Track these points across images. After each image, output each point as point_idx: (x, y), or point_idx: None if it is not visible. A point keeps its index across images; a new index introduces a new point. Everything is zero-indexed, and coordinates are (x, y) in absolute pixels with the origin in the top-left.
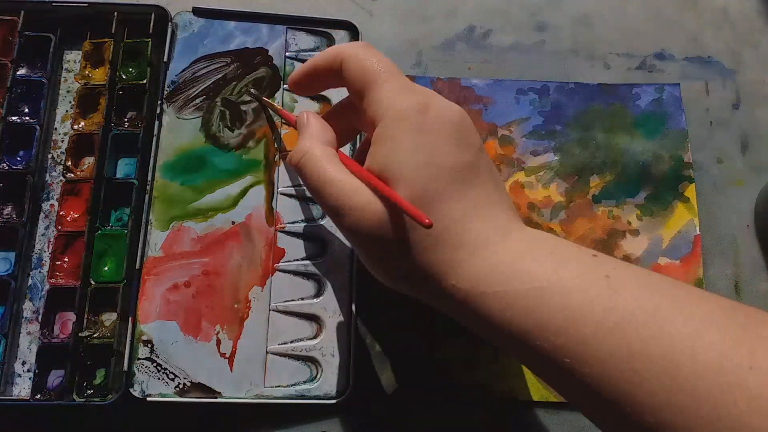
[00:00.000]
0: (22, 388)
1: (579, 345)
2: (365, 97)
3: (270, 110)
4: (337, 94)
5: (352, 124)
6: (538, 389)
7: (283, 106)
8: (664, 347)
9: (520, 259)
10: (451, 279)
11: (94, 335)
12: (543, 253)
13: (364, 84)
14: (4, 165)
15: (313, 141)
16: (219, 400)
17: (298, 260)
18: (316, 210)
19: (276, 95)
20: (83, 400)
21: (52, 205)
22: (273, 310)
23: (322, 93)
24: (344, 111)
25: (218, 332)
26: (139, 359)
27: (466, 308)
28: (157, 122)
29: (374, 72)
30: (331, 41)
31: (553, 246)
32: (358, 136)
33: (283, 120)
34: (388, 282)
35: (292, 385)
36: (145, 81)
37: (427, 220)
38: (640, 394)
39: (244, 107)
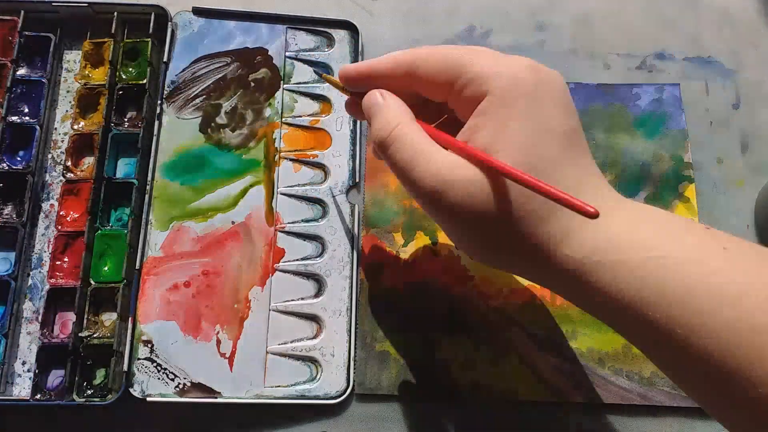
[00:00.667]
0: (22, 388)
1: (694, 317)
2: (458, 80)
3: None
4: (337, 95)
5: (412, 91)
6: (537, 389)
7: (282, 105)
8: None
9: (635, 229)
10: (565, 249)
11: (94, 335)
12: (657, 224)
13: (452, 69)
14: (4, 165)
15: (401, 115)
16: (219, 400)
17: (298, 260)
18: (316, 210)
19: (276, 95)
20: (83, 400)
21: (52, 205)
22: (273, 310)
23: (322, 93)
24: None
25: (218, 332)
26: (139, 359)
27: (576, 279)
28: (157, 122)
29: (459, 55)
30: (331, 41)
31: (665, 218)
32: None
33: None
34: (489, 260)
35: (292, 385)
36: (145, 81)
37: (591, 209)
38: (758, 368)
39: (244, 107)
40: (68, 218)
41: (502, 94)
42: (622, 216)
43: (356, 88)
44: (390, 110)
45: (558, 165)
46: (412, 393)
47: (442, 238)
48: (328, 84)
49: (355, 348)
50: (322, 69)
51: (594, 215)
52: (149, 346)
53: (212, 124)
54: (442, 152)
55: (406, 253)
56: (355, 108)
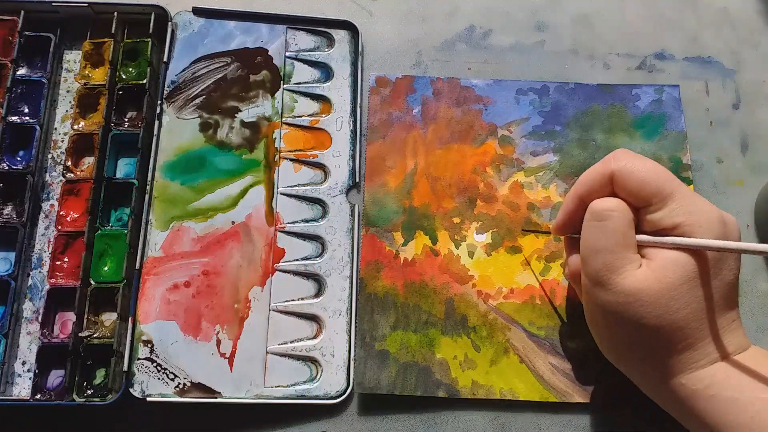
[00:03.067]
0: (22, 388)
1: None
2: (660, 209)
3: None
4: (337, 95)
5: None
6: (538, 389)
7: (282, 106)
8: None
9: (753, 371)
10: (682, 378)
11: (94, 335)
12: None
13: (656, 196)
14: (4, 165)
15: (628, 212)
16: (219, 400)
17: (298, 260)
18: (316, 210)
19: (276, 95)
20: (83, 400)
21: (52, 205)
22: (273, 310)
23: (322, 93)
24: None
25: (218, 332)
26: (139, 359)
27: (686, 405)
28: (157, 122)
29: (662, 183)
30: (331, 41)
31: None
32: None
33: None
34: (617, 360)
35: (292, 385)
36: (145, 81)
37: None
38: None
39: (244, 108)
40: (68, 218)
41: (702, 230)
42: (745, 358)
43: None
44: (621, 187)
45: (711, 308)
46: (411, 392)
47: (442, 237)
48: (328, 84)
49: (356, 348)
50: (320, 70)
51: None
52: (149, 346)
53: (212, 125)
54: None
55: (405, 253)
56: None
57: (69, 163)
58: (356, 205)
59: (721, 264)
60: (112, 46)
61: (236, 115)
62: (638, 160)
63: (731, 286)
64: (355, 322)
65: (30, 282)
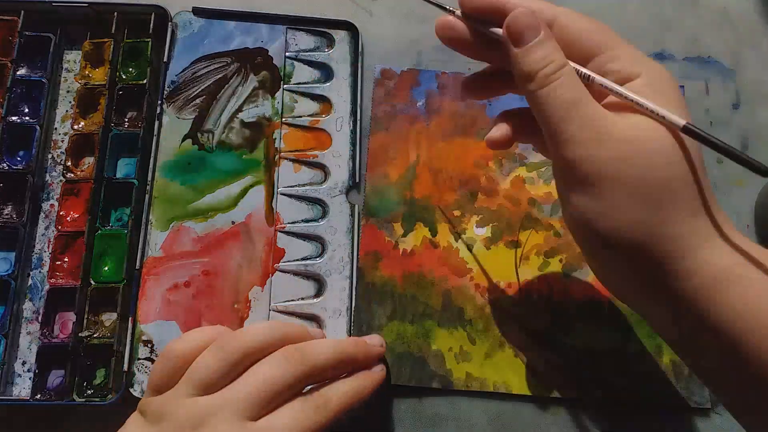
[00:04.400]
0: (22, 388)
1: None
2: (604, 53)
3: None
4: (337, 95)
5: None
6: (532, 384)
7: (283, 106)
8: None
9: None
10: (706, 249)
11: (94, 335)
12: None
13: (600, 40)
14: (4, 165)
15: (562, 54)
16: None
17: (298, 260)
18: (316, 210)
19: (276, 95)
20: (83, 400)
21: (52, 205)
22: (273, 311)
23: (322, 93)
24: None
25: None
26: (139, 359)
27: (706, 293)
28: (157, 122)
29: (605, 30)
30: (331, 41)
31: None
32: None
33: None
34: (616, 246)
35: None
36: (145, 81)
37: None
38: None
39: (244, 107)
40: (68, 218)
41: (655, 81)
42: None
43: (474, 12)
44: (551, 42)
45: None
46: (406, 382)
47: (441, 230)
48: (328, 84)
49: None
50: (320, 70)
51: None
52: (149, 346)
53: (211, 125)
54: (599, 108)
55: (405, 244)
56: (451, 33)
57: (69, 163)
58: (356, 205)
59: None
60: (112, 46)
61: (236, 115)
62: (576, 13)
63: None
64: (354, 316)
65: (30, 282)
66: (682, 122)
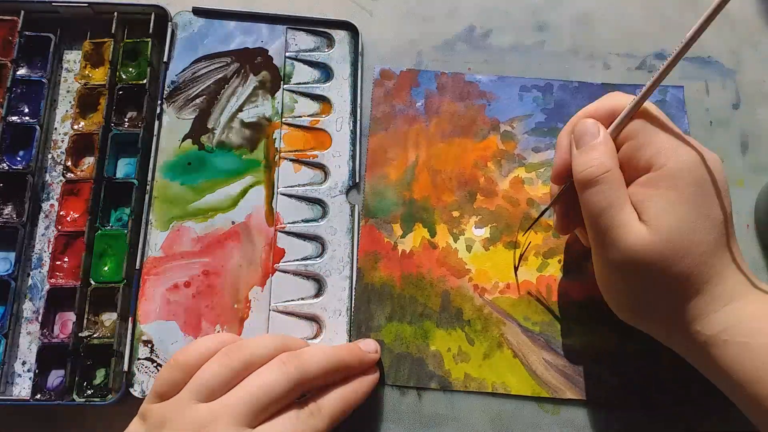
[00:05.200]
0: (22, 388)
1: None
2: (635, 139)
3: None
4: (337, 95)
5: None
6: (531, 384)
7: (282, 106)
8: None
9: (764, 315)
10: (696, 326)
11: (94, 335)
12: None
13: (636, 130)
14: (4, 165)
15: (615, 161)
16: None
17: (298, 260)
18: (316, 210)
19: (276, 95)
20: (83, 400)
21: (52, 205)
22: (273, 311)
23: (322, 93)
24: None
25: (218, 332)
26: (139, 359)
27: (703, 352)
28: (157, 122)
29: (650, 116)
30: (331, 41)
31: None
32: None
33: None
34: (632, 317)
35: None
36: (145, 81)
37: None
38: None
39: (244, 107)
40: (68, 218)
41: (675, 174)
42: (756, 302)
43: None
44: (608, 149)
45: (710, 250)
46: (404, 383)
47: (440, 230)
48: (328, 84)
49: (350, 337)
50: (320, 70)
51: None
52: (149, 346)
53: (211, 125)
54: (636, 220)
55: (403, 244)
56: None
57: (69, 163)
58: (356, 206)
59: (710, 202)
60: (112, 46)
61: (236, 115)
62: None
63: (724, 222)
64: (352, 314)
65: (30, 282)
66: None
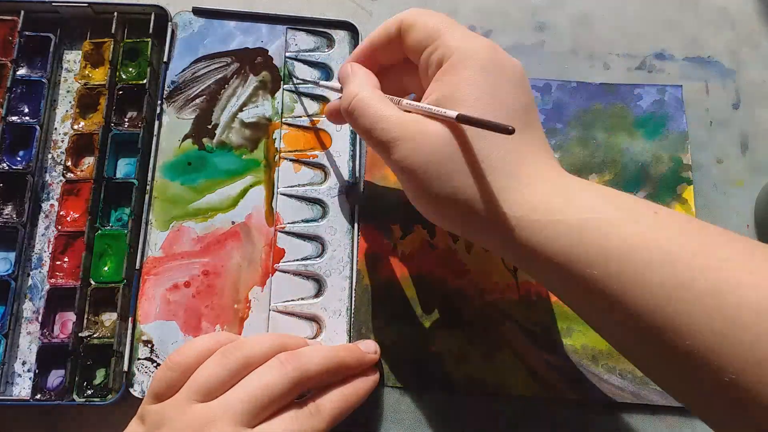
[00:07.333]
0: (22, 388)
1: (630, 273)
2: (429, 46)
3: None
4: (337, 94)
5: (402, 56)
6: (531, 385)
7: (283, 106)
8: (711, 279)
9: (573, 193)
10: (503, 206)
11: (94, 335)
12: (595, 190)
13: (429, 37)
14: (4, 165)
15: (362, 84)
16: None
17: (298, 260)
18: (316, 210)
19: (276, 95)
20: (83, 400)
21: (52, 205)
22: (273, 311)
23: (323, 93)
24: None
25: (218, 332)
26: (139, 359)
27: (516, 238)
28: (157, 122)
29: (438, 25)
30: (331, 41)
31: (601, 186)
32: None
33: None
34: (436, 214)
35: None
36: (145, 81)
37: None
38: (687, 322)
39: (244, 107)
40: (68, 218)
41: (460, 62)
42: (566, 182)
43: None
44: (356, 79)
45: (510, 156)
46: (405, 385)
47: (440, 231)
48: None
49: (350, 339)
50: (320, 70)
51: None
52: (149, 346)
53: (211, 125)
54: (399, 113)
55: (403, 246)
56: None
57: (69, 163)
58: (356, 206)
59: (505, 88)
60: (112, 46)
61: (236, 115)
62: (426, 12)
63: (524, 109)
64: (352, 315)
65: (30, 282)
66: (453, 114)
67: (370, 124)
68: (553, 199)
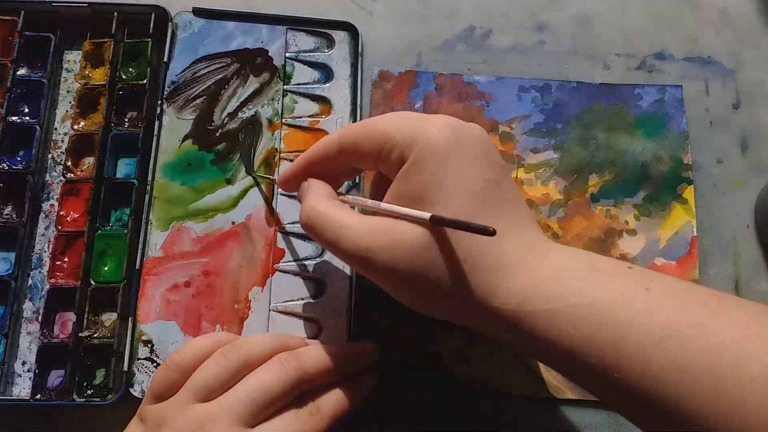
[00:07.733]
0: (22, 388)
1: (627, 359)
2: (383, 148)
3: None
4: (337, 96)
5: (350, 166)
6: (531, 385)
7: (283, 108)
8: (710, 360)
9: (561, 277)
10: (494, 301)
11: (94, 335)
12: (582, 269)
13: (376, 140)
14: (4, 165)
15: (317, 198)
16: None
17: (298, 260)
18: None
19: (276, 96)
20: (83, 400)
21: (52, 205)
22: (273, 311)
23: (322, 94)
24: (340, 157)
25: (218, 332)
26: (139, 359)
27: (511, 328)
28: (157, 122)
29: (379, 126)
30: (331, 42)
31: (589, 261)
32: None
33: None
34: (425, 311)
35: None
36: (145, 81)
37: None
38: (689, 404)
39: (244, 109)
40: (68, 218)
41: (417, 160)
42: (551, 264)
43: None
44: (309, 194)
45: (479, 221)
46: (404, 384)
47: None
48: (328, 85)
49: (350, 339)
50: (320, 71)
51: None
52: (149, 346)
53: (212, 125)
54: (365, 220)
55: None
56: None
57: (69, 163)
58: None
59: (462, 169)
60: (112, 46)
61: (236, 115)
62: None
63: (491, 186)
64: (352, 315)
65: (30, 282)
66: (426, 216)
67: (335, 236)
68: (541, 287)
